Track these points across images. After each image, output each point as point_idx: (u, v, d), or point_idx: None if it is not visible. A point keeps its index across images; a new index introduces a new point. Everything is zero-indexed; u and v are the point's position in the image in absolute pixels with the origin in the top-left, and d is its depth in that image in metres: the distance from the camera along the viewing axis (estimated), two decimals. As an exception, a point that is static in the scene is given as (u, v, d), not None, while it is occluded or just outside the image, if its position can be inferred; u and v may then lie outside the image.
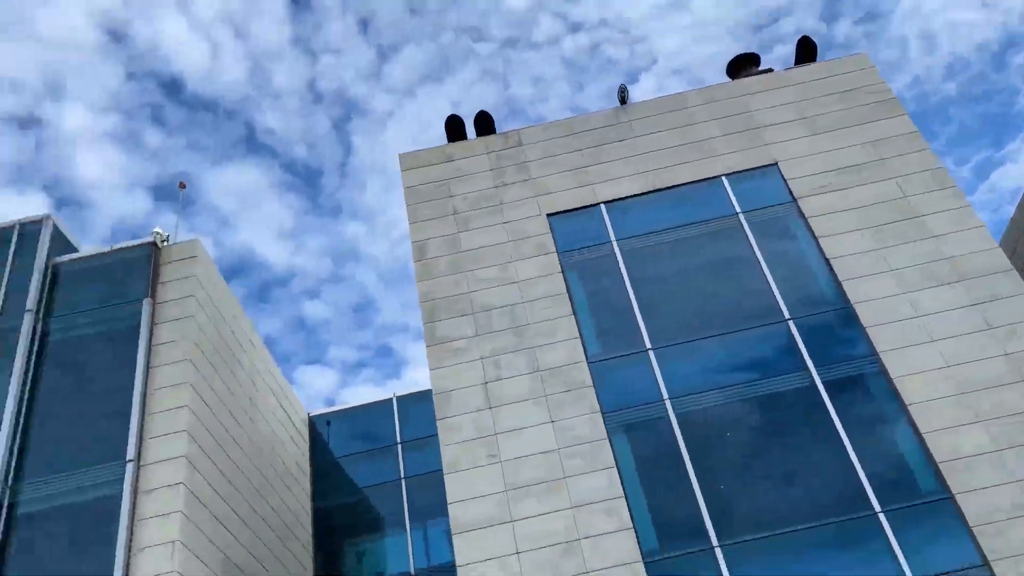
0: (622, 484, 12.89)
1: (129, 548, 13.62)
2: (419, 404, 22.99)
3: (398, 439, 22.73)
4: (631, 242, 16.01)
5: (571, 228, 16.35)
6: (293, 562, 19.49)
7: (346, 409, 24.06)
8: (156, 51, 59.63)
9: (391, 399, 23.74)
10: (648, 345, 14.47)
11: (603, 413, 13.68)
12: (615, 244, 16.00)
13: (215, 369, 17.20)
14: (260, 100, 64.63)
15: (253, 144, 67.02)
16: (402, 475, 21.96)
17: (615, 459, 13.15)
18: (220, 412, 16.92)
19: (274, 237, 65.01)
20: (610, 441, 13.36)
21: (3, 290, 17.09)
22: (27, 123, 59.92)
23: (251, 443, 18.42)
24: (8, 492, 14.55)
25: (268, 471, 19.17)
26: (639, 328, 14.71)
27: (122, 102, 62.06)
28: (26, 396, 15.71)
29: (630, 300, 15.13)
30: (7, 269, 17.41)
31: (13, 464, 14.87)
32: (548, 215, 16.54)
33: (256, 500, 17.99)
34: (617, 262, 15.74)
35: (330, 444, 23.34)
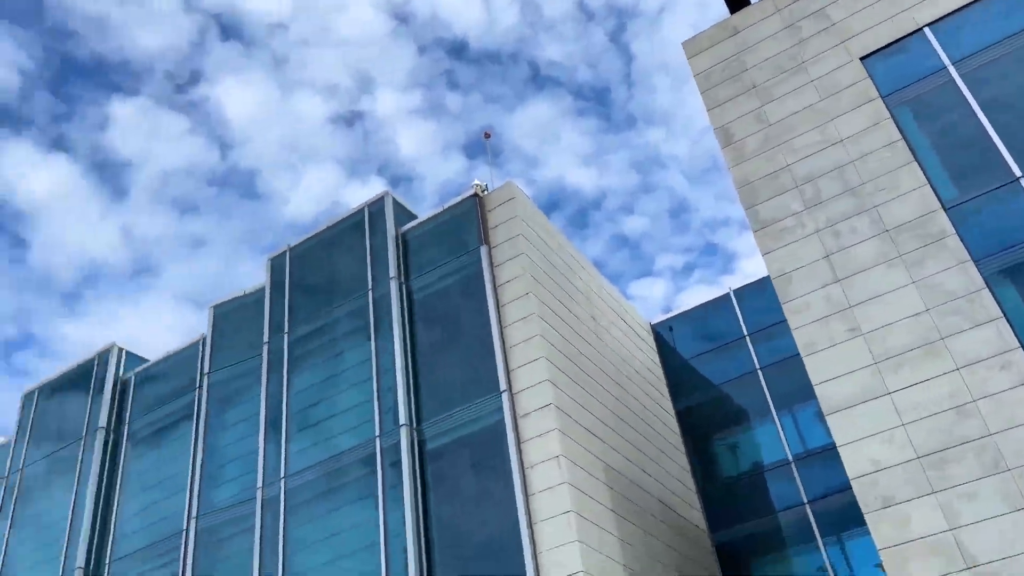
0: (1015, 334, 11.33)
1: (522, 466, 15.10)
2: (759, 293, 22.29)
3: (744, 331, 22.31)
4: (971, 61, 13.72)
5: (893, 65, 14.44)
6: (669, 463, 20.22)
7: (685, 312, 24.15)
8: (436, 20, 63.47)
9: (728, 294, 23.34)
10: (1018, 173, 12.41)
11: (975, 261, 12.08)
12: (952, 69, 13.83)
13: (555, 297, 18.17)
14: (536, 36, 65.99)
15: (539, 80, 68.92)
16: (757, 366, 21.57)
17: (1001, 308, 11.57)
18: (568, 335, 17.90)
19: (578, 164, 66.69)
20: (991, 290, 11.77)
21: (368, 264, 19.62)
22: (351, 120, 67.64)
23: (602, 357, 19.27)
24: (416, 433, 16.88)
25: (623, 380, 19.96)
26: (1002, 157, 12.66)
27: (420, 77, 67.30)
28: (408, 351, 17.99)
29: (984, 128, 13.05)
30: (367, 245, 19.93)
31: (413, 409, 17.20)
32: (862, 58, 14.77)
33: (619, 409, 18.86)
34: (959, 89, 13.61)
35: (677, 348, 23.62)
